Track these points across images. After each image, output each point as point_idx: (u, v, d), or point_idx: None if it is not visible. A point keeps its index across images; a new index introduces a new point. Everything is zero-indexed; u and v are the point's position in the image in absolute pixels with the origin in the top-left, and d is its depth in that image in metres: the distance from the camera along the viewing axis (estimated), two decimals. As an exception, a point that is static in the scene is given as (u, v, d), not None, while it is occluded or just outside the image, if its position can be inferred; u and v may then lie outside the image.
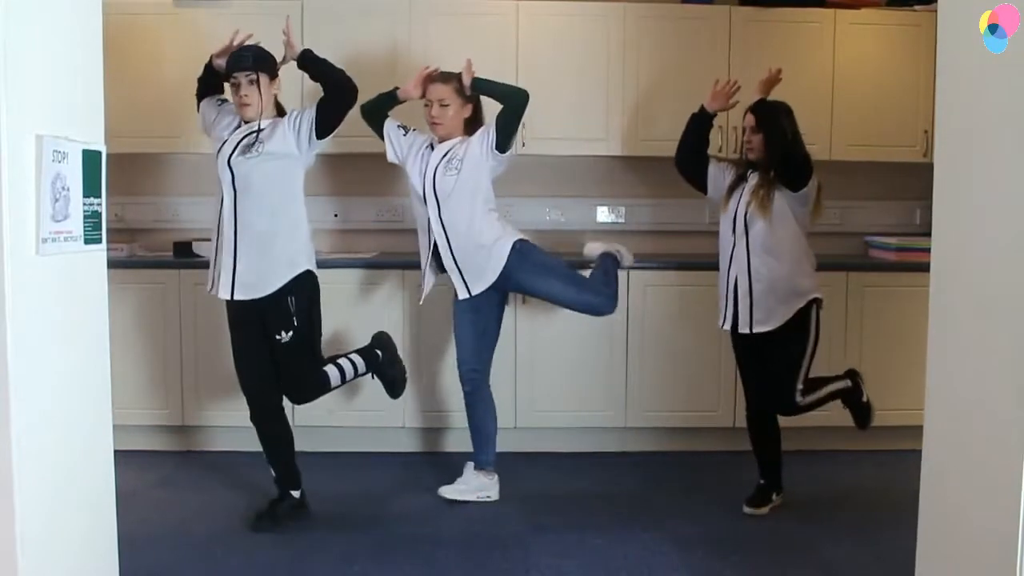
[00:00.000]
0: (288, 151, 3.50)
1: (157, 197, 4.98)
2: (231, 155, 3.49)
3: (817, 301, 3.73)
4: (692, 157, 3.92)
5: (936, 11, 2.38)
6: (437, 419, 4.55)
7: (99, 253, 2.20)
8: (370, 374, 3.88)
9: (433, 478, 4.14)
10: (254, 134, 3.49)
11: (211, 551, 3.37)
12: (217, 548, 3.40)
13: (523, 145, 4.68)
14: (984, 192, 2.10)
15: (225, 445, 4.47)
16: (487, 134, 3.78)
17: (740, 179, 3.79)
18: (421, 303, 4.03)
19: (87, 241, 2.11)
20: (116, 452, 2.33)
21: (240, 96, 3.50)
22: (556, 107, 4.71)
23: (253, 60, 3.47)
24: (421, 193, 3.83)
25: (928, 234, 2.38)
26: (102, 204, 2.16)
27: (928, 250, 2.35)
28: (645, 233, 5.05)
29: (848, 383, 3.89)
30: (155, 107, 4.58)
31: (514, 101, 3.77)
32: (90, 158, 2.09)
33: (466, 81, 3.78)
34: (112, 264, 2.35)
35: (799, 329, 3.70)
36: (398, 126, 3.92)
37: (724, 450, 4.06)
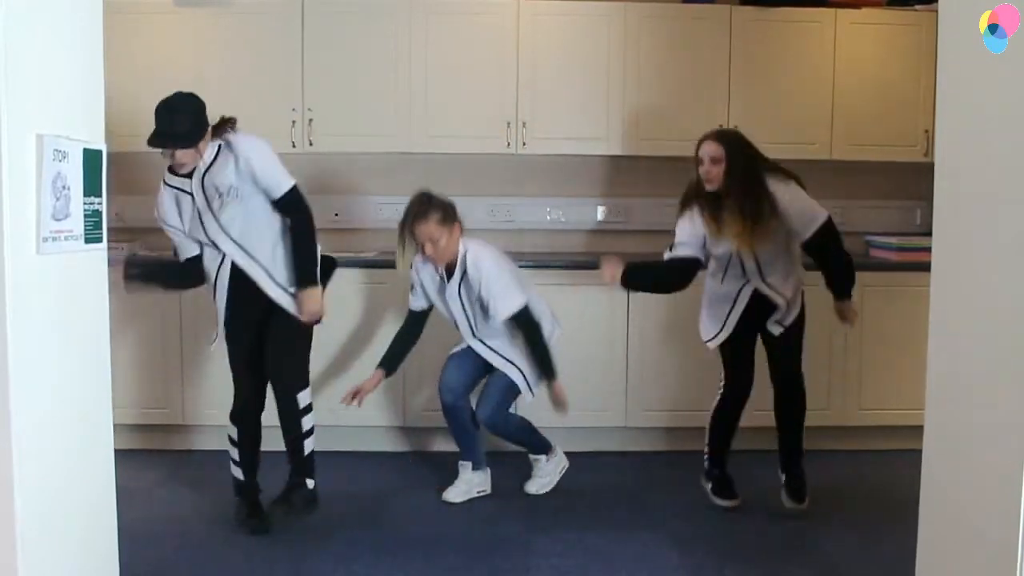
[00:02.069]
0: None
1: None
2: None
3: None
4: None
5: (936, 11, 2.38)
6: (437, 419, 4.52)
7: (99, 252, 2.20)
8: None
9: (433, 478, 4.15)
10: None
11: (211, 550, 3.37)
12: (217, 547, 3.40)
13: (523, 145, 4.68)
14: (984, 192, 2.09)
15: (225, 444, 4.45)
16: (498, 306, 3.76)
17: (715, 221, 3.58)
18: None
19: (88, 240, 2.10)
20: (116, 452, 2.33)
21: None
22: (556, 107, 4.72)
23: None
24: (454, 323, 3.92)
25: (929, 234, 2.38)
26: (103, 203, 2.16)
27: (929, 250, 2.35)
28: (645, 233, 5.04)
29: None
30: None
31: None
32: (91, 157, 2.09)
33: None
34: (113, 263, 2.35)
35: (800, 316, 3.77)
36: (412, 290, 3.95)
37: (724, 450, 4.07)
